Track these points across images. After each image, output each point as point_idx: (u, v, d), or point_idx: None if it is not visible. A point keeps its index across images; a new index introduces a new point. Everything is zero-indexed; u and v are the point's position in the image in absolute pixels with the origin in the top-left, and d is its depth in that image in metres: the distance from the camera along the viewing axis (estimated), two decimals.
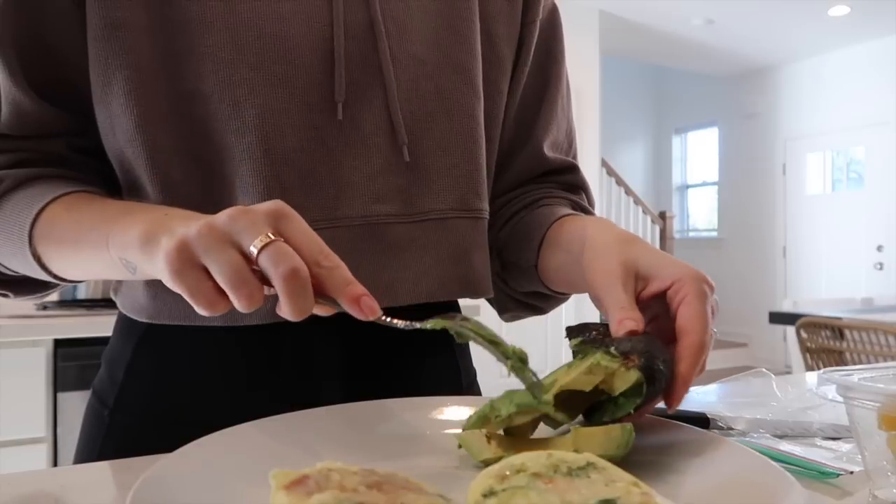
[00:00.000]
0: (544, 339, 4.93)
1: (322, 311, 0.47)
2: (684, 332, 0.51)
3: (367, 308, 0.46)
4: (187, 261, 0.44)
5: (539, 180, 0.82)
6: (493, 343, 0.49)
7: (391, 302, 0.66)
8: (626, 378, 0.48)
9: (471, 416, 0.52)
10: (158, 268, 0.47)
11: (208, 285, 0.45)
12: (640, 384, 0.48)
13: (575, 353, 0.54)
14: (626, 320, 0.52)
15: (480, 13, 0.74)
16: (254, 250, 0.44)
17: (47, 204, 0.59)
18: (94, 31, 0.61)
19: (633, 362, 0.48)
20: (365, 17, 0.65)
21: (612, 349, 0.49)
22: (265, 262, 0.43)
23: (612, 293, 0.55)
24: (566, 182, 0.83)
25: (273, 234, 0.44)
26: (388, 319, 0.49)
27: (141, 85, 0.61)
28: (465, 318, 0.50)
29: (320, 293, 0.46)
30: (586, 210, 0.82)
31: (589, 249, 0.60)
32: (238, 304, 0.44)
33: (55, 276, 0.62)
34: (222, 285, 0.44)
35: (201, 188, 0.63)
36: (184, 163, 0.62)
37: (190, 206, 0.62)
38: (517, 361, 0.49)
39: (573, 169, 0.84)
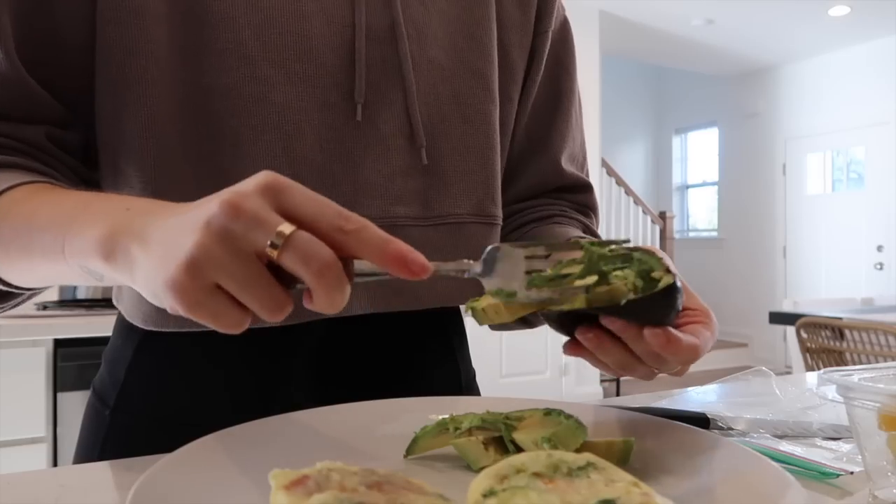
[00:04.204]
0: (544, 340, 4.93)
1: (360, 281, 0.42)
2: (687, 332, 0.50)
3: (417, 268, 0.39)
4: (202, 287, 0.38)
5: (553, 195, 0.83)
6: (562, 290, 0.46)
7: (413, 304, 0.67)
8: (653, 280, 0.46)
9: (426, 426, 0.52)
10: (140, 285, 0.41)
11: (233, 307, 0.39)
12: (660, 289, 0.45)
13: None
14: None
15: (496, 20, 0.74)
16: (273, 252, 0.37)
17: (1, 192, 0.53)
18: (111, 14, 0.59)
19: (670, 275, 0.46)
20: (387, 19, 0.66)
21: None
22: (291, 263, 0.38)
23: None
24: (580, 202, 0.84)
25: (287, 225, 0.38)
26: (442, 266, 0.44)
27: (156, 76, 0.60)
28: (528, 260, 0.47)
29: (352, 260, 0.41)
30: (594, 234, 0.83)
31: None
32: (267, 318, 0.39)
33: (3, 282, 0.56)
34: (246, 303, 0.38)
35: (210, 185, 0.61)
36: (193, 157, 0.61)
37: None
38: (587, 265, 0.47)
39: (587, 189, 0.85)
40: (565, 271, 0.48)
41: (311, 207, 0.39)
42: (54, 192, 0.54)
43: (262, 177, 0.40)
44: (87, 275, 0.47)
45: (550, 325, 0.53)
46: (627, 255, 0.48)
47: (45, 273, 0.52)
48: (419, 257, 0.40)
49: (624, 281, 0.46)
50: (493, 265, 0.47)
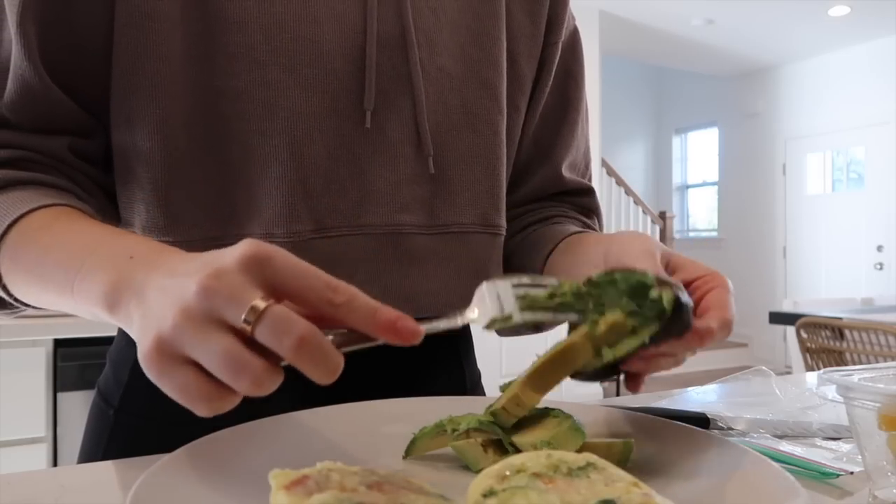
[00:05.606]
0: (544, 341, 4.93)
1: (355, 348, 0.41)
2: (714, 308, 0.50)
3: (408, 333, 0.40)
4: (169, 359, 0.38)
5: (555, 199, 0.83)
6: (556, 308, 0.47)
7: (413, 312, 0.66)
8: (655, 302, 0.45)
9: (425, 427, 0.51)
10: (136, 340, 0.42)
11: (201, 381, 0.38)
12: (662, 312, 0.44)
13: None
14: None
15: (506, 31, 0.74)
16: (248, 328, 0.37)
17: (23, 215, 0.54)
18: (126, 19, 0.59)
19: (667, 286, 0.45)
20: (397, 27, 0.66)
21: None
22: (266, 339, 0.37)
23: (646, 264, 0.53)
24: (581, 205, 0.85)
25: (262, 299, 0.37)
26: (433, 325, 0.44)
27: (169, 78, 0.60)
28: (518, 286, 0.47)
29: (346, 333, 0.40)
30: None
31: (621, 240, 0.59)
32: (245, 391, 0.37)
33: (16, 300, 0.58)
34: (222, 375, 0.37)
35: (218, 189, 0.62)
36: (203, 161, 0.62)
37: (203, 207, 0.62)
38: (577, 304, 0.47)
39: (589, 192, 0.85)
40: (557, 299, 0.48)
41: (299, 281, 0.39)
42: (69, 224, 0.54)
43: (246, 247, 0.39)
44: (94, 316, 0.49)
45: (591, 380, 0.52)
46: (611, 279, 0.47)
47: (58, 304, 0.53)
48: (409, 323, 0.40)
49: (618, 314, 0.46)
50: (482, 302, 0.47)
